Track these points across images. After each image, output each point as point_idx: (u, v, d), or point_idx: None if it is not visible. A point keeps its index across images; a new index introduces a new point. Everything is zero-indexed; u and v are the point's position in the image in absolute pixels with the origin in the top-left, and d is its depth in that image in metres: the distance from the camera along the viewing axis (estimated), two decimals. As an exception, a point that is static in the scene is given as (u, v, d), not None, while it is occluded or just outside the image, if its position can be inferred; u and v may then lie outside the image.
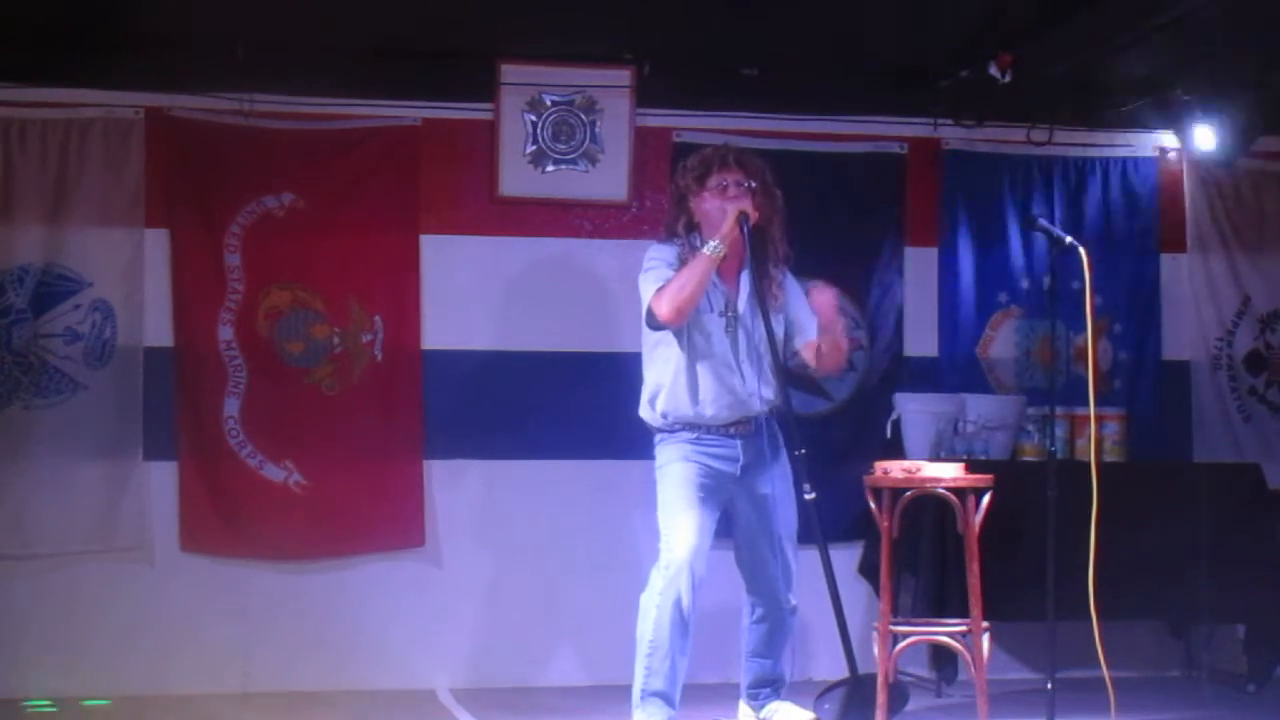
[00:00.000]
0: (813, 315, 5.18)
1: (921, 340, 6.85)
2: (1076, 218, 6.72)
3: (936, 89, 6.54)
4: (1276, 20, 5.49)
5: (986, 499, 5.08)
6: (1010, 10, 5.74)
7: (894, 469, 5.15)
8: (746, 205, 5.00)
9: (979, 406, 6.38)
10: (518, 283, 6.54)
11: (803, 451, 5.04)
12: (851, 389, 6.76)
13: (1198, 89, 6.63)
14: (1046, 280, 5.25)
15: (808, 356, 5.22)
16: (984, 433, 6.28)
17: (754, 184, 5.08)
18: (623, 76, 6.48)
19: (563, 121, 6.51)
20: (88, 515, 6.16)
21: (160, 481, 6.23)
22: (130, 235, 6.23)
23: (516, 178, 6.49)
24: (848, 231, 6.72)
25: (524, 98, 6.47)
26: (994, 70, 6.01)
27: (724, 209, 5.01)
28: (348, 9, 5.77)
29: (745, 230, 4.98)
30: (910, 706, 5.40)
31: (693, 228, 5.11)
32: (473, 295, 6.49)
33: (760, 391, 5.07)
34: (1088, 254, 4.98)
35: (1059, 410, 5.79)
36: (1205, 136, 6.47)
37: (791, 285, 5.26)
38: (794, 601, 5.20)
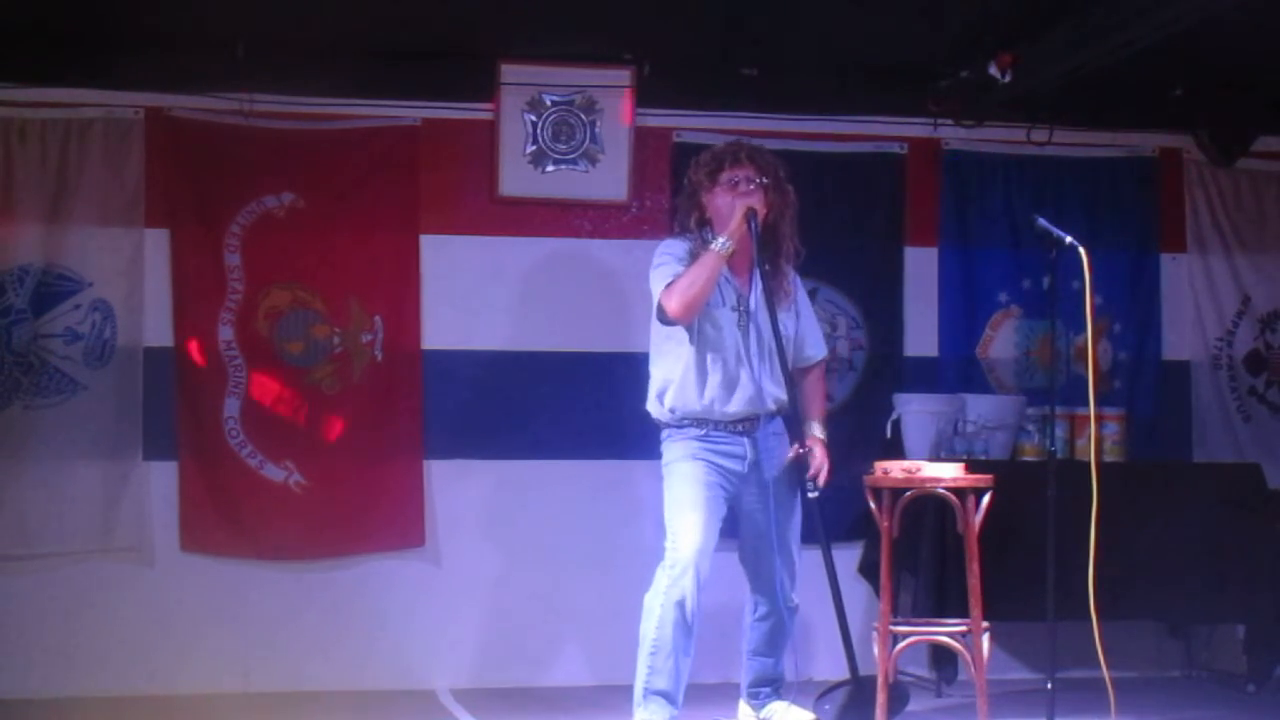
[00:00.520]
0: (816, 328, 5.30)
1: (921, 340, 6.85)
2: (1076, 218, 6.70)
3: (936, 89, 6.54)
4: (1276, 20, 5.49)
5: (986, 499, 5.08)
6: (1010, 10, 5.73)
7: (894, 469, 5.15)
8: (756, 201, 5.01)
9: (979, 406, 6.38)
10: (518, 283, 6.54)
11: (805, 450, 5.06)
12: (851, 389, 6.76)
13: (1198, 89, 6.64)
14: (1046, 280, 5.24)
15: (796, 375, 5.23)
16: (984, 433, 6.28)
17: (766, 180, 5.09)
18: (623, 76, 6.48)
19: (563, 121, 6.51)
20: (88, 515, 6.16)
21: (160, 481, 6.23)
22: (130, 235, 6.23)
23: (516, 178, 6.49)
24: (848, 231, 6.71)
25: (524, 98, 6.47)
26: (994, 70, 6.01)
27: (734, 205, 5.02)
28: (348, 9, 5.76)
29: (753, 227, 4.98)
30: (910, 706, 5.40)
31: (704, 223, 5.10)
32: (473, 295, 6.49)
33: (770, 389, 5.07)
34: (1087, 254, 4.98)
35: (1059, 410, 5.79)
36: (1205, 137, 6.47)
37: (801, 292, 5.29)
38: (796, 601, 5.20)
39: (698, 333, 5.05)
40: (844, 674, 5.17)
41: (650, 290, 5.06)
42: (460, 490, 6.46)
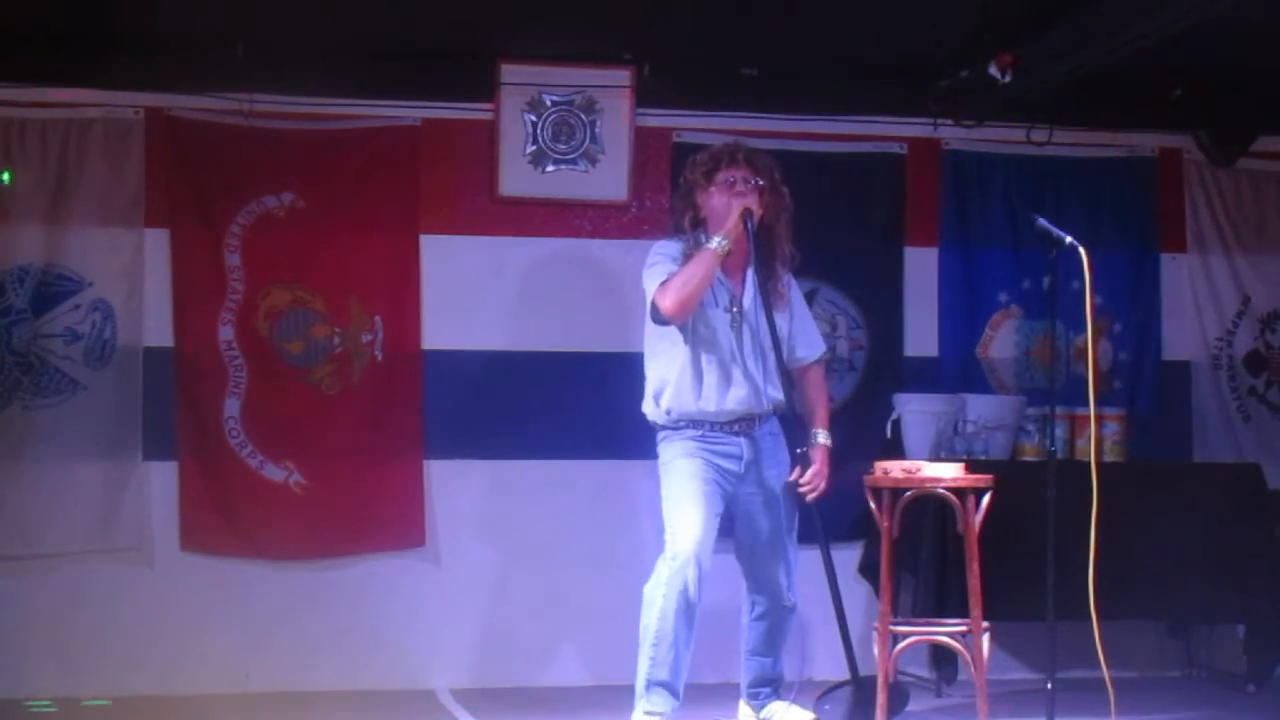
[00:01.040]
0: (811, 329, 5.30)
1: (921, 340, 6.85)
2: (1076, 218, 6.70)
3: (936, 89, 6.53)
4: (1276, 20, 5.49)
5: (986, 499, 5.08)
6: (1010, 10, 5.73)
7: (894, 469, 5.15)
8: (752, 202, 5.02)
9: (979, 406, 6.38)
10: (517, 283, 6.54)
11: (803, 450, 5.07)
12: (851, 389, 6.76)
13: (1198, 89, 6.64)
14: (1046, 280, 5.24)
15: (795, 376, 5.24)
16: (984, 433, 6.28)
17: (761, 181, 5.10)
18: (623, 76, 6.48)
19: (563, 121, 6.51)
20: (88, 515, 6.16)
21: (160, 481, 6.24)
22: (130, 235, 6.24)
23: (516, 178, 6.49)
24: (848, 231, 6.71)
25: (524, 98, 6.47)
26: (994, 70, 6.00)
27: (730, 205, 5.03)
28: (348, 9, 5.76)
29: (749, 227, 4.99)
30: (910, 706, 5.40)
31: (699, 223, 5.11)
32: (473, 295, 6.49)
33: (765, 389, 5.07)
34: (1087, 254, 4.97)
35: (1059, 410, 5.79)
36: (1205, 137, 6.47)
37: (796, 293, 5.29)
38: (794, 599, 5.20)
39: (691, 333, 5.06)
40: (843, 674, 5.16)
41: (644, 291, 5.06)
42: (460, 490, 6.46)
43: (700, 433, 5.06)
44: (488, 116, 6.47)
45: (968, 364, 6.86)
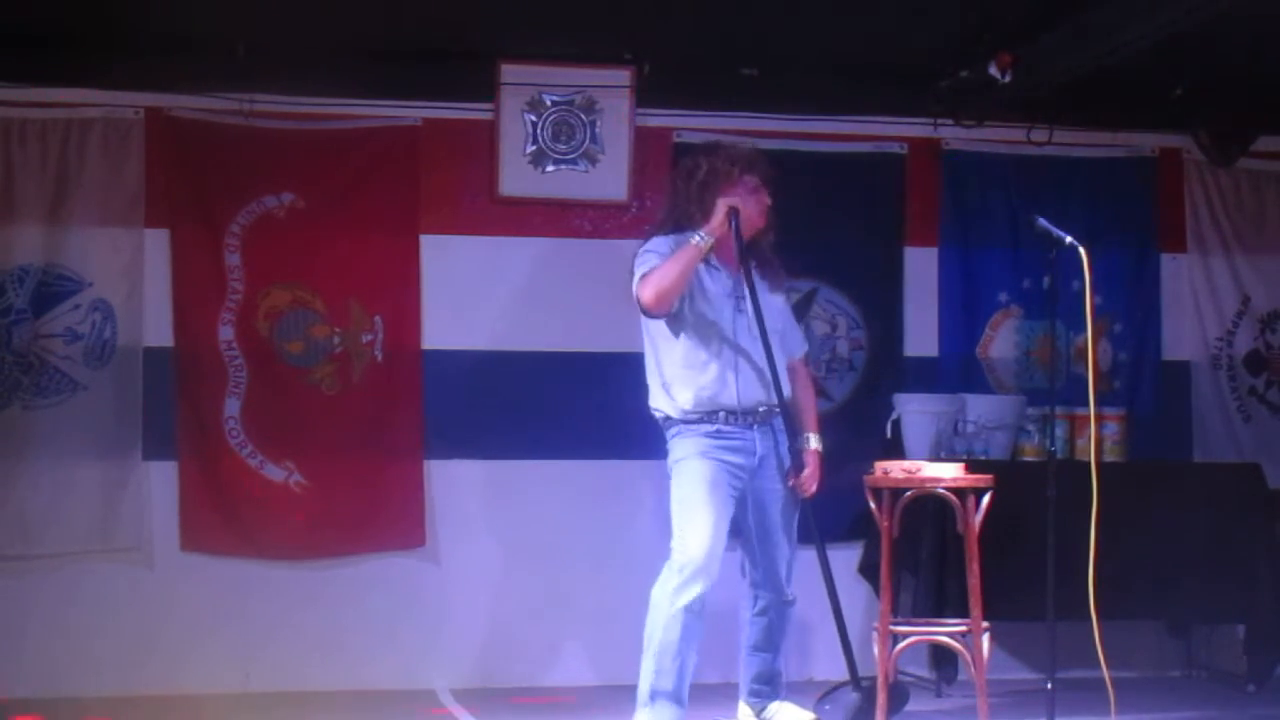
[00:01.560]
0: (794, 326, 5.32)
1: (921, 340, 6.85)
2: (1076, 218, 6.70)
3: (936, 89, 6.54)
4: (1276, 20, 5.49)
5: (987, 499, 5.08)
6: (1010, 10, 5.73)
7: (894, 469, 5.15)
8: (738, 203, 5.01)
9: (979, 406, 6.38)
10: (518, 283, 6.54)
11: (796, 449, 5.09)
12: (851, 389, 6.76)
13: (1198, 89, 6.63)
14: (1046, 280, 5.24)
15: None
16: (984, 433, 6.28)
17: (770, 202, 5.14)
18: (623, 76, 6.48)
19: (563, 121, 6.51)
20: (88, 515, 6.16)
21: (160, 481, 6.24)
22: (130, 235, 6.24)
23: (516, 178, 6.49)
24: (848, 231, 6.71)
25: (524, 98, 6.47)
26: (994, 70, 6.00)
27: (746, 203, 5.03)
28: (348, 9, 5.76)
29: (735, 226, 4.99)
30: (910, 706, 5.40)
31: (705, 213, 5.05)
32: (473, 295, 6.49)
33: (774, 380, 5.05)
34: (1087, 254, 4.98)
35: (1059, 410, 5.79)
36: (1205, 137, 6.46)
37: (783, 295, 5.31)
38: (793, 594, 5.19)
39: (695, 324, 5.05)
40: (844, 673, 5.16)
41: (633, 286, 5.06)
42: (460, 490, 6.46)
43: (715, 428, 5.03)
44: (488, 116, 6.47)
45: (968, 364, 6.86)
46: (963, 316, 6.87)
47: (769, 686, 5.26)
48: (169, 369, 6.25)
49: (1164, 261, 7.06)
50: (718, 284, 5.09)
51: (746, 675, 5.30)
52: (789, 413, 5.12)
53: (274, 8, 5.67)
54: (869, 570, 6.28)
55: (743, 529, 5.15)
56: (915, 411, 6.32)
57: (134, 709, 5.90)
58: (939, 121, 6.79)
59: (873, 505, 5.16)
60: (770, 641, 5.23)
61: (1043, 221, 5.13)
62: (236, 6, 5.65)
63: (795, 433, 5.14)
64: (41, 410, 6.14)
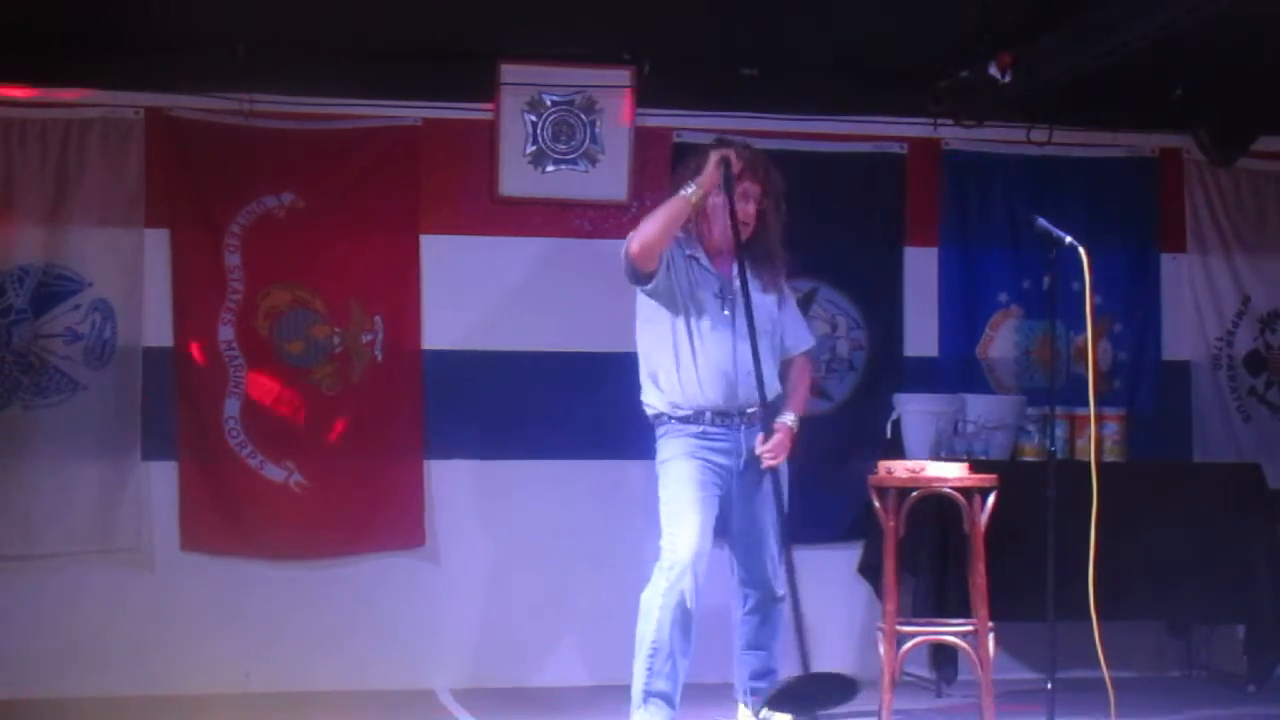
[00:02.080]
0: (799, 323, 5.29)
1: (921, 340, 6.85)
2: (1076, 218, 6.69)
3: (936, 89, 6.54)
4: (1276, 20, 5.49)
5: (991, 499, 5.08)
6: (1010, 10, 5.73)
7: (898, 469, 5.15)
8: (730, 153, 4.99)
9: (979, 406, 6.38)
10: (518, 283, 6.54)
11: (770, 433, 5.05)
12: (851, 389, 6.76)
13: (1198, 89, 6.64)
14: (1046, 280, 5.25)
15: (781, 366, 5.24)
16: (984, 433, 6.28)
17: (766, 200, 5.12)
18: (623, 76, 6.48)
19: (563, 121, 6.51)
20: (87, 515, 6.16)
21: (160, 481, 6.24)
22: (130, 235, 6.24)
23: (516, 178, 6.49)
24: (847, 231, 6.72)
25: (524, 98, 6.47)
26: (994, 70, 6.00)
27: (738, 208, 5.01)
28: (348, 9, 5.76)
29: (726, 176, 4.97)
30: (910, 706, 5.40)
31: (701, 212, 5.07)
32: (473, 295, 6.49)
33: (763, 379, 5.04)
34: (1087, 254, 4.98)
35: (1059, 410, 5.79)
36: (1205, 136, 6.46)
37: (786, 290, 5.29)
38: (782, 591, 5.18)
39: (685, 321, 5.04)
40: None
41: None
42: (460, 490, 6.46)
43: (701, 429, 5.04)
44: (488, 116, 6.47)
45: (968, 364, 6.86)
46: (963, 316, 6.87)
47: (765, 682, 5.26)
48: (169, 369, 6.25)
49: (1164, 261, 7.06)
50: (707, 284, 5.09)
51: (742, 674, 5.30)
52: (777, 411, 5.10)
53: (274, 8, 5.67)
54: (869, 570, 6.28)
55: (729, 528, 5.16)
56: (915, 411, 6.32)
57: (134, 709, 5.90)
58: (939, 121, 6.79)
59: (877, 505, 5.16)
60: (764, 638, 5.23)
61: (1042, 221, 5.13)
62: (236, 6, 5.65)
63: (778, 413, 5.12)
64: (41, 410, 6.14)
